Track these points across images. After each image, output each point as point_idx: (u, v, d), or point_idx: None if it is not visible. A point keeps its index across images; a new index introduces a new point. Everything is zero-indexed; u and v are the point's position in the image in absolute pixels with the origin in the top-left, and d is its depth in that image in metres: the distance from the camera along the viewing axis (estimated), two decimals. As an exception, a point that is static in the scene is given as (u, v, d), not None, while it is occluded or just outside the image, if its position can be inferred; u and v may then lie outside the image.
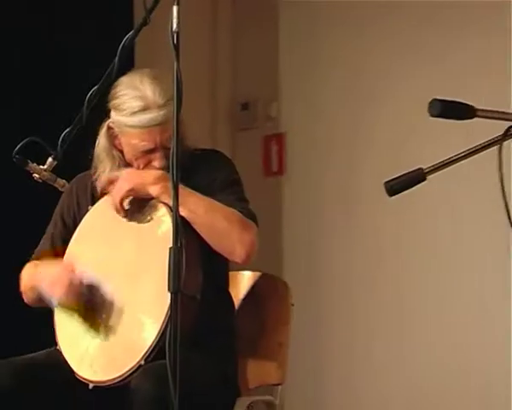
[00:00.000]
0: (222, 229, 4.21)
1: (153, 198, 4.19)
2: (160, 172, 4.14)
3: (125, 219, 4.25)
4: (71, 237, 4.40)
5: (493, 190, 3.03)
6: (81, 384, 4.13)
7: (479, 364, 5.71)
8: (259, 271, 4.70)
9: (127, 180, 4.21)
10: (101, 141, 4.37)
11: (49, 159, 4.11)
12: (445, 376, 6.04)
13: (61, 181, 4.25)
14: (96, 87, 3.99)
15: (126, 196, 4.20)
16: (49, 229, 4.50)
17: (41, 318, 4.36)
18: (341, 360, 6.59)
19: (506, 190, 2.96)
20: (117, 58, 3.90)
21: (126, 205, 4.23)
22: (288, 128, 6.95)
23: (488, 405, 5.53)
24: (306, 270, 6.48)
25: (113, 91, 4.21)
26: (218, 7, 7.22)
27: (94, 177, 4.41)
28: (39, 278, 4.30)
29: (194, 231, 4.12)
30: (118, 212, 4.22)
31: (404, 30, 6.45)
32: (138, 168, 4.30)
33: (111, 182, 4.26)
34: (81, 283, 4.14)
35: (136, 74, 4.31)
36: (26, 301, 4.43)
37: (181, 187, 3.66)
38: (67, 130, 4.04)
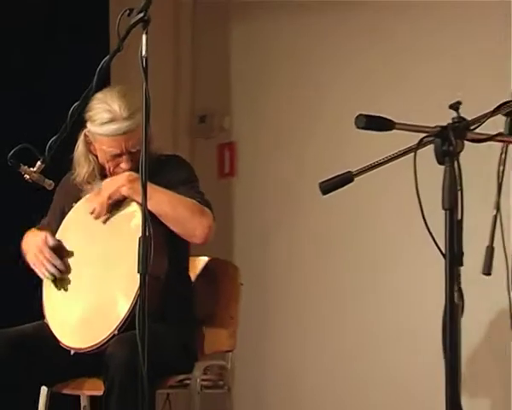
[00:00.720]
0: (183, 216, 4.30)
1: (125, 197, 4.28)
2: (129, 173, 4.24)
3: (103, 213, 4.33)
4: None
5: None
6: (64, 351, 4.19)
7: (412, 358, 5.72)
8: (215, 256, 4.76)
9: (105, 191, 4.34)
10: (80, 146, 4.48)
11: (38, 162, 4.14)
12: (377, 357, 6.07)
13: (49, 181, 4.26)
14: (77, 103, 4.03)
15: (108, 205, 4.32)
16: (51, 210, 4.62)
17: (31, 293, 4.39)
18: (283, 330, 6.59)
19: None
20: (95, 78, 3.93)
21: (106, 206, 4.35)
22: (238, 138, 6.95)
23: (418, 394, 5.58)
24: (254, 256, 6.49)
25: (88, 105, 4.26)
26: (180, 34, 7.21)
27: (73, 176, 4.51)
28: (25, 244, 4.48)
29: (161, 223, 4.20)
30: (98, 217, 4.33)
31: (342, 47, 6.47)
32: (109, 169, 4.43)
33: (91, 201, 4.40)
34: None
35: (108, 91, 4.41)
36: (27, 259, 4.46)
37: (148, 184, 3.74)
38: (53, 138, 4.07)
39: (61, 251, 4.32)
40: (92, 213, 4.31)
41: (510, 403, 3.50)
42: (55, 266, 4.26)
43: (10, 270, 4.53)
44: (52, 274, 4.27)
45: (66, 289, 4.30)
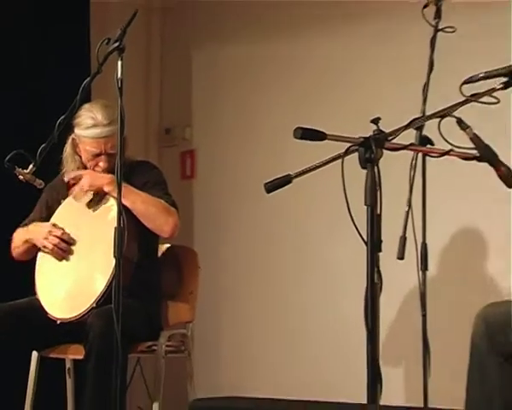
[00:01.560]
0: (153, 214, 4.34)
1: (106, 193, 4.31)
2: (112, 176, 4.18)
3: (85, 208, 4.36)
4: (49, 218, 4.47)
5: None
6: (51, 321, 4.20)
7: (340, 327, 5.73)
8: (178, 244, 4.78)
9: (89, 180, 4.36)
10: (68, 148, 4.52)
11: (30, 165, 4.15)
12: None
13: (39, 181, 4.26)
14: (63, 116, 4.04)
15: (87, 190, 4.34)
16: (36, 209, 4.58)
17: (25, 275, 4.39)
18: (234, 304, 6.59)
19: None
20: (78, 96, 3.95)
21: (87, 197, 4.38)
22: (197, 146, 6.93)
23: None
24: (210, 244, 6.48)
25: (77, 113, 4.28)
26: (150, 60, 7.20)
27: (61, 171, 4.57)
28: (30, 230, 4.45)
29: (134, 217, 4.22)
30: (83, 199, 4.39)
31: (283, 72, 6.50)
32: (90, 167, 4.45)
33: (76, 178, 4.39)
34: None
35: (93, 103, 4.50)
36: (15, 256, 4.51)
37: (125, 185, 3.82)
38: (43, 145, 4.08)
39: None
40: (81, 197, 4.38)
41: (420, 364, 3.53)
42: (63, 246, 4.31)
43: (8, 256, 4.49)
44: (60, 249, 4.31)
45: (53, 268, 4.33)
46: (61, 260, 4.31)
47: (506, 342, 3.31)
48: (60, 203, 4.46)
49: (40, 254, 4.38)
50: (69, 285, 4.26)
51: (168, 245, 4.70)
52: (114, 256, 3.72)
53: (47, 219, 4.47)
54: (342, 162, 3.09)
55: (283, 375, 6.12)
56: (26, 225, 4.51)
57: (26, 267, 4.39)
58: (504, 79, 3.14)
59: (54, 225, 4.35)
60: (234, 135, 6.71)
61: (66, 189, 4.49)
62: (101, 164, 4.38)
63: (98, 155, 4.37)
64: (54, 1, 6.38)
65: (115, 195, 3.92)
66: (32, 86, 6.02)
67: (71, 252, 4.32)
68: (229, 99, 6.78)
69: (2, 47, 6.04)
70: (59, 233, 4.29)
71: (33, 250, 4.44)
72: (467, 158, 3.21)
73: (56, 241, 4.29)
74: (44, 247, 4.34)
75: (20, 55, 6.18)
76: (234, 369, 6.52)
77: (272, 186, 3.26)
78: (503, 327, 3.33)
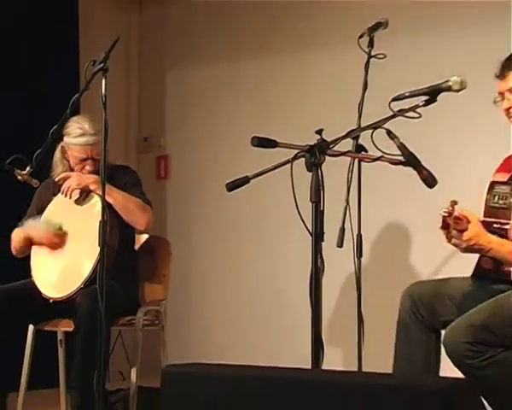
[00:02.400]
0: (131, 210, 4.34)
1: (91, 191, 4.28)
2: (96, 177, 4.19)
3: (73, 204, 4.33)
4: (41, 214, 4.42)
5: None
6: (45, 300, 4.20)
7: (289, 305, 5.78)
8: (153, 234, 4.78)
9: (76, 180, 4.32)
10: (57, 154, 4.48)
11: (28, 168, 4.13)
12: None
13: (35, 181, 4.24)
14: (55, 126, 4.02)
15: (75, 189, 4.30)
16: (30, 209, 4.51)
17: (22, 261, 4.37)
18: (200, 284, 6.59)
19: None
20: (68, 110, 3.94)
21: (75, 195, 4.33)
22: (170, 152, 6.90)
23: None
24: (180, 234, 6.47)
25: (66, 125, 4.26)
26: (130, 78, 7.15)
27: (51, 175, 4.51)
28: (28, 230, 4.37)
29: (114, 211, 4.20)
30: (65, 195, 4.32)
31: (241, 89, 6.51)
32: (78, 171, 4.39)
33: (65, 178, 4.34)
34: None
35: (81, 116, 4.48)
36: (14, 252, 4.45)
37: (107, 185, 3.80)
38: (38, 151, 4.06)
39: None
40: (69, 195, 4.32)
41: (355, 335, 3.54)
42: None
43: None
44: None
45: (46, 254, 4.32)
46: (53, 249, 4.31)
47: (426, 315, 3.34)
48: (50, 200, 4.42)
49: (34, 247, 4.35)
50: (60, 269, 4.24)
51: (145, 235, 4.67)
52: (99, 245, 3.73)
53: (40, 211, 4.44)
54: (291, 166, 3.13)
55: (240, 344, 6.14)
56: (20, 225, 4.46)
57: (21, 261, 4.37)
58: (426, 98, 3.17)
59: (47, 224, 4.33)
60: (201, 143, 6.70)
61: (56, 188, 4.44)
62: (88, 168, 4.35)
63: (85, 159, 4.35)
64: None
65: (99, 192, 3.93)
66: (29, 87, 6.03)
67: (62, 241, 4.32)
68: (197, 112, 6.77)
69: (4, 49, 6.00)
70: (52, 236, 4.30)
71: (29, 247, 4.42)
72: (395, 163, 3.23)
73: (51, 239, 4.30)
74: (42, 243, 4.33)
75: (20, 58, 6.15)
76: (200, 339, 6.51)
77: (233, 186, 3.29)
78: (426, 302, 3.36)
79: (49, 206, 4.41)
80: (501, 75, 3.33)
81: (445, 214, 3.09)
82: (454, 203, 3.10)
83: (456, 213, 3.11)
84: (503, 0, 4.86)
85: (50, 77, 6.18)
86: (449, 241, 3.17)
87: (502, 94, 3.33)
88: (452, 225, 3.09)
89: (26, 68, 6.17)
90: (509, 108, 3.32)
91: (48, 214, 4.39)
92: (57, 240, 4.30)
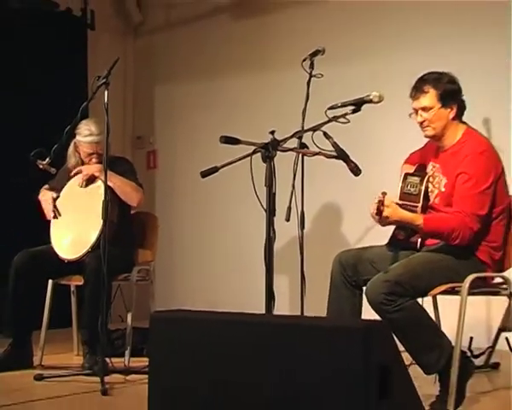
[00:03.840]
0: (127, 191, 4.31)
1: (96, 177, 4.23)
2: (100, 165, 4.14)
3: (82, 187, 4.28)
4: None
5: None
6: (61, 260, 4.17)
7: (249, 265, 5.84)
8: (144, 211, 4.74)
9: (85, 170, 4.27)
10: (71, 149, 4.40)
11: (47, 158, 4.10)
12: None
13: (53, 169, 4.21)
14: (69, 127, 4.00)
15: (86, 177, 4.25)
16: (52, 182, 4.44)
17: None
18: (181, 249, 6.57)
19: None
20: (78, 115, 3.93)
21: (84, 181, 4.27)
22: (158, 148, 6.89)
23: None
24: (166, 211, 6.45)
25: (77, 126, 4.22)
26: (126, 90, 7.11)
27: (68, 166, 4.42)
28: (44, 197, 4.34)
29: (114, 192, 4.17)
30: (81, 183, 4.27)
31: (215, 101, 6.51)
32: (87, 162, 4.33)
33: (78, 172, 4.29)
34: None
35: (89, 120, 4.38)
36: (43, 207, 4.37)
37: (109, 172, 3.78)
38: (55, 146, 4.04)
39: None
40: (81, 183, 4.26)
41: (299, 288, 3.54)
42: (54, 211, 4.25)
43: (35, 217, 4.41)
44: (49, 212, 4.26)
45: (62, 226, 4.25)
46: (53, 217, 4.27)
47: (352, 275, 3.34)
48: (65, 184, 4.37)
49: (53, 221, 4.28)
50: (72, 237, 4.20)
51: (139, 211, 4.64)
52: (102, 218, 3.76)
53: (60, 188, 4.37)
54: (251, 159, 3.11)
55: (212, 293, 6.14)
56: (48, 187, 4.42)
57: (44, 227, 4.29)
58: (353, 107, 3.18)
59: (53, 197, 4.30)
60: (182, 141, 6.69)
61: (69, 175, 4.37)
62: (94, 160, 4.30)
63: (92, 153, 4.30)
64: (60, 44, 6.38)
65: (102, 178, 3.89)
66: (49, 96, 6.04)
67: (74, 213, 4.26)
68: (179, 117, 6.75)
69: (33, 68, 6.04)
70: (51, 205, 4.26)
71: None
72: (329, 157, 3.23)
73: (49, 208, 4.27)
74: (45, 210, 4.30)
75: (44, 74, 6.14)
76: (180, 291, 6.51)
77: (205, 173, 3.27)
78: (351, 265, 3.36)
79: (64, 188, 4.35)
80: (414, 96, 3.30)
81: (379, 204, 3.09)
82: (384, 194, 3.11)
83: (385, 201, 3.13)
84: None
85: (65, 88, 6.16)
86: (380, 219, 3.18)
87: (416, 110, 3.32)
88: (382, 209, 3.11)
89: (47, 82, 6.14)
90: (422, 122, 3.30)
91: (64, 193, 4.33)
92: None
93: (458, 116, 3.31)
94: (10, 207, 5.63)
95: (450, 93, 3.27)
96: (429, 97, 3.26)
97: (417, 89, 3.30)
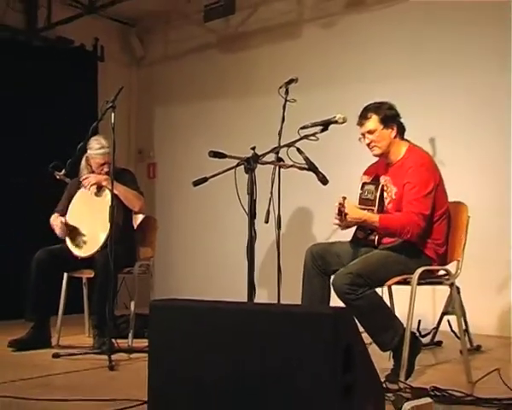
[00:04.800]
0: (130, 198, 4.28)
1: (103, 186, 4.18)
2: (107, 176, 4.11)
3: (92, 195, 4.22)
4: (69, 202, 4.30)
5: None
6: (74, 256, 4.14)
7: (236, 259, 5.72)
8: (146, 215, 4.70)
9: (94, 179, 4.22)
10: (83, 162, 4.35)
11: (63, 170, 4.08)
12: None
13: (68, 179, 4.21)
14: (81, 143, 3.98)
15: (94, 185, 4.19)
16: (63, 198, 4.38)
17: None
18: (177, 247, 6.55)
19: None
20: (90, 133, 3.93)
21: (94, 189, 4.21)
22: (157, 161, 6.90)
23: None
24: (164, 215, 6.42)
25: (89, 142, 4.19)
26: (131, 111, 7.10)
27: (79, 177, 4.35)
28: (54, 221, 4.25)
29: (119, 199, 4.12)
30: (90, 190, 4.22)
31: (203, 121, 6.48)
32: (98, 173, 4.26)
33: (87, 178, 4.25)
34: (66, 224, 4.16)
35: (99, 136, 4.33)
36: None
37: (115, 182, 3.77)
38: (70, 159, 4.03)
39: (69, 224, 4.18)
40: (89, 189, 4.21)
41: (276, 281, 3.53)
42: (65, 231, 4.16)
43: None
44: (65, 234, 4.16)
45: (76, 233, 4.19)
46: (66, 236, 4.16)
47: (321, 264, 3.34)
48: (76, 192, 4.32)
49: (69, 223, 4.23)
50: (84, 238, 4.15)
51: (141, 215, 4.58)
52: (109, 221, 3.73)
53: (68, 203, 4.30)
54: (235, 170, 3.10)
55: (203, 285, 6.12)
56: (57, 211, 4.32)
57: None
58: (321, 127, 3.18)
59: (63, 221, 4.17)
60: (177, 155, 6.69)
61: (80, 185, 4.32)
62: (104, 171, 4.25)
63: (102, 164, 4.26)
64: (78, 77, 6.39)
65: (109, 187, 3.86)
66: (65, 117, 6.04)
67: (85, 218, 4.19)
68: (175, 135, 6.76)
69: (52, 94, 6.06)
70: (61, 226, 4.15)
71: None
72: (302, 169, 3.23)
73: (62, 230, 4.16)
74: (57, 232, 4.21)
75: (62, 98, 6.16)
76: (175, 282, 6.50)
77: (197, 182, 3.23)
78: (321, 257, 3.36)
79: (75, 196, 4.31)
80: (360, 123, 3.35)
81: (340, 205, 3.12)
82: (344, 198, 3.13)
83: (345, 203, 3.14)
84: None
85: (79, 110, 6.18)
86: (340, 222, 3.19)
87: (363, 135, 3.36)
88: (343, 211, 3.12)
89: (64, 104, 6.17)
90: (369, 144, 3.35)
91: (75, 200, 4.28)
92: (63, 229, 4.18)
93: (399, 134, 3.36)
94: (31, 213, 5.51)
95: (390, 117, 3.32)
96: (372, 121, 3.31)
97: (362, 116, 3.35)
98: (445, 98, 4.93)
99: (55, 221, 4.22)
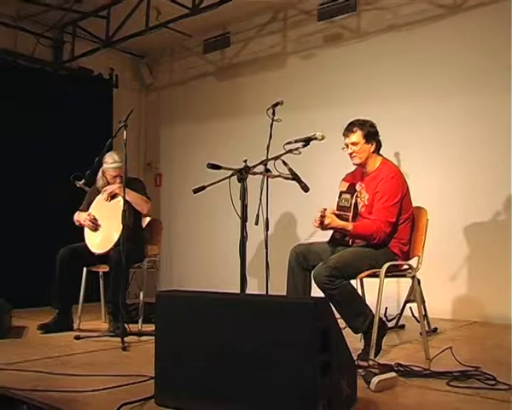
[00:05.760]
0: (139, 203, 4.23)
1: (117, 193, 4.14)
2: (120, 185, 4.06)
3: (107, 201, 4.19)
4: (89, 206, 4.26)
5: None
6: (91, 253, 4.09)
7: (231, 255, 5.66)
8: (153, 218, 4.67)
9: (110, 189, 4.18)
10: (100, 174, 4.30)
11: (83, 180, 4.05)
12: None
13: (87, 188, 4.17)
14: (98, 157, 3.95)
15: (110, 194, 4.16)
16: (83, 203, 4.33)
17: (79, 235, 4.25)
18: (179, 242, 6.52)
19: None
20: (105, 148, 3.89)
21: (109, 197, 4.18)
22: (162, 172, 6.85)
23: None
24: (168, 217, 6.41)
25: (104, 157, 4.16)
26: (140, 129, 7.08)
27: (96, 186, 4.33)
28: (79, 216, 4.22)
29: (130, 204, 4.06)
30: (106, 198, 4.18)
31: (203, 141, 6.46)
32: (112, 183, 4.22)
33: (105, 189, 4.21)
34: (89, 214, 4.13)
35: (113, 151, 4.29)
36: (76, 223, 4.25)
37: (127, 189, 3.71)
38: (89, 171, 4.00)
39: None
40: (106, 199, 4.17)
41: (264, 275, 3.50)
42: (93, 224, 4.12)
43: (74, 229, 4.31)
44: (93, 228, 4.12)
45: (94, 230, 4.16)
46: (94, 230, 4.12)
47: (303, 261, 3.32)
48: (95, 198, 4.29)
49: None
50: (100, 237, 4.11)
51: (148, 218, 4.56)
52: (121, 223, 3.69)
53: (88, 206, 4.27)
54: (229, 180, 3.11)
55: (201, 278, 6.11)
56: (80, 210, 4.30)
57: (79, 232, 4.21)
58: (303, 143, 3.18)
59: (88, 213, 4.16)
60: (179, 167, 6.65)
61: (97, 192, 4.29)
62: (117, 181, 4.20)
63: (115, 176, 4.22)
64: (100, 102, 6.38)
65: (122, 194, 3.83)
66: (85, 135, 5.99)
67: (101, 220, 4.16)
68: (177, 150, 6.73)
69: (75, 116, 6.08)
70: (90, 218, 4.12)
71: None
72: (286, 178, 3.23)
73: (89, 222, 4.12)
74: (85, 224, 4.17)
75: (83, 120, 6.15)
76: (178, 276, 6.46)
77: (196, 190, 3.22)
78: (303, 254, 3.35)
79: (94, 201, 4.27)
80: (346, 134, 3.35)
81: (321, 214, 3.12)
82: (325, 209, 3.15)
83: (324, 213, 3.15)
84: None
85: (97, 128, 6.16)
86: (320, 226, 3.19)
87: (347, 145, 3.35)
88: (323, 221, 3.12)
89: (84, 124, 6.19)
90: (351, 154, 3.35)
91: (94, 205, 4.25)
92: (91, 224, 4.14)
93: (377, 150, 3.37)
94: (57, 216, 5.41)
95: (372, 134, 3.33)
96: (357, 135, 3.31)
97: (348, 129, 3.35)
98: (410, 117, 4.97)
99: (79, 216, 4.21)
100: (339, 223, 3.19)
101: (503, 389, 2.41)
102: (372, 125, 3.35)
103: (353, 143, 3.32)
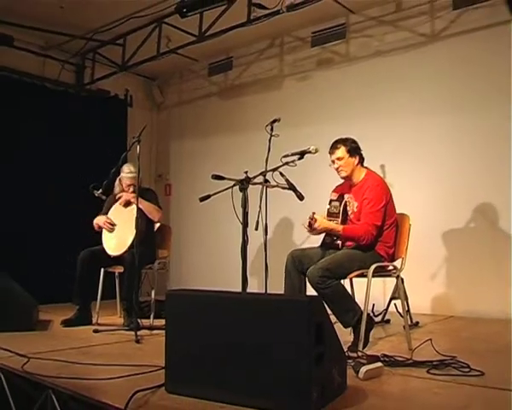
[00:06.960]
0: (151, 211, 4.23)
1: (131, 202, 4.14)
2: (134, 194, 4.06)
3: (123, 208, 4.19)
4: (107, 212, 4.26)
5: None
6: (108, 256, 4.08)
7: (233, 257, 5.62)
8: (163, 224, 4.66)
9: (125, 196, 4.19)
10: (116, 183, 4.32)
11: (100, 189, 4.03)
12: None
13: (104, 197, 4.14)
14: (114, 168, 3.94)
15: (126, 200, 4.16)
16: (103, 210, 4.32)
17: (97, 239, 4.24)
18: (187, 247, 6.50)
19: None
20: (121, 161, 3.90)
21: (125, 202, 4.18)
22: (172, 182, 6.85)
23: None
24: (177, 224, 6.40)
25: (121, 167, 4.18)
26: (152, 144, 7.09)
27: (114, 193, 4.32)
28: (98, 219, 4.21)
29: (142, 211, 4.06)
30: (122, 204, 4.18)
31: (208, 154, 6.46)
32: (127, 191, 4.23)
33: (120, 197, 4.22)
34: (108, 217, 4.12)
35: (129, 163, 4.30)
36: (95, 228, 4.24)
37: (140, 199, 3.70)
38: (105, 181, 3.99)
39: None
40: (121, 204, 4.19)
41: (263, 275, 3.49)
42: (110, 225, 4.12)
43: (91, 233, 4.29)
44: (110, 229, 4.12)
45: (110, 231, 4.15)
46: (110, 231, 4.13)
47: (298, 265, 3.31)
48: (112, 206, 4.29)
49: (104, 230, 4.19)
50: (116, 241, 4.10)
51: (158, 224, 4.55)
52: (135, 228, 3.68)
53: (107, 212, 4.27)
54: (232, 189, 3.10)
55: (207, 279, 6.09)
56: (100, 214, 4.30)
57: (97, 236, 4.21)
58: (298, 156, 3.19)
59: (107, 217, 4.16)
60: (187, 178, 6.64)
61: (115, 199, 4.30)
62: (131, 189, 4.22)
63: (130, 184, 4.23)
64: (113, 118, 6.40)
65: (135, 202, 3.83)
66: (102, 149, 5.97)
67: (116, 227, 4.15)
68: (186, 163, 6.72)
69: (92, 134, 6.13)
70: (108, 221, 4.13)
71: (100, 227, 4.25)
72: (283, 188, 3.23)
73: (107, 224, 4.13)
74: (103, 226, 4.17)
75: (100, 136, 6.17)
76: (186, 277, 6.44)
77: (202, 199, 3.23)
78: (298, 258, 3.34)
79: (112, 208, 4.27)
80: (331, 151, 3.38)
81: (310, 219, 3.13)
82: (314, 213, 3.16)
83: (314, 217, 3.15)
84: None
85: (113, 143, 6.16)
86: (310, 231, 3.19)
87: (333, 161, 3.39)
88: (312, 223, 3.12)
89: (102, 140, 6.23)
90: (337, 168, 3.38)
91: (111, 211, 4.25)
92: (110, 226, 4.13)
93: (360, 162, 3.41)
94: (78, 221, 5.39)
95: (354, 148, 3.37)
96: (341, 150, 3.35)
97: (333, 147, 3.40)
98: (397, 132, 4.99)
99: (98, 220, 4.21)
100: (328, 224, 3.20)
101: (476, 375, 2.44)
102: (354, 142, 3.39)
103: (339, 158, 3.35)
